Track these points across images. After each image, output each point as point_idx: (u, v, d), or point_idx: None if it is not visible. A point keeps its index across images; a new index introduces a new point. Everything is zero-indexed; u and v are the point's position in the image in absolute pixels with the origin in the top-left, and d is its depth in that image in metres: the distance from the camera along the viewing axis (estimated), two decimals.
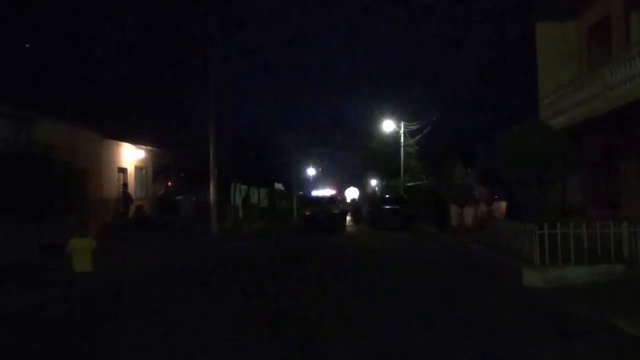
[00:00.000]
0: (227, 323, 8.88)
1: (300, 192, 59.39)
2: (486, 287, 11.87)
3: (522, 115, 19.69)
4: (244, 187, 43.08)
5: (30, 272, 12.46)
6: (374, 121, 48.11)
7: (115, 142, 24.98)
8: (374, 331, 8.26)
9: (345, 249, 21.44)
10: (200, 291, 12.05)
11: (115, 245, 19.43)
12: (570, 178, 16.89)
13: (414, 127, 43.40)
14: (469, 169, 29.70)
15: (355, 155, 62.82)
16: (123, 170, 26.08)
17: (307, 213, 31.65)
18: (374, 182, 68.94)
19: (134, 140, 26.58)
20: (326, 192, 38.76)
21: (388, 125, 46.40)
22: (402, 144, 44.78)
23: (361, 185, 69.96)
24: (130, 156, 26.82)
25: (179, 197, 28.86)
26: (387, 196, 38.90)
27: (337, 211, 32.77)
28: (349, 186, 73.44)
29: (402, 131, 44.81)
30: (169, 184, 28.11)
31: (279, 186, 57.83)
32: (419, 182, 43.04)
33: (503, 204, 23.14)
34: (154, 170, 29.66)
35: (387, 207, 34.29)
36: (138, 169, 27.85)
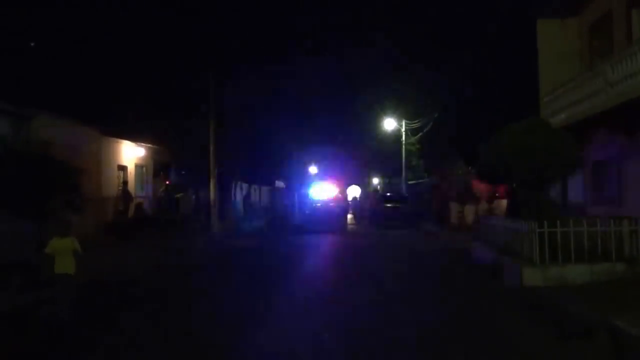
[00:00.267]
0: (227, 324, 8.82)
1: (302, 191, 59.29)
2: (485, 286, 11.80)
3: (523, 113, 19.58)
4: (245, 185, 43.04)
5: (26, 271, 12.37)
6: (376, 119, 47.95)
7: (115, 139, 24.94)
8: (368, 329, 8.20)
9: (344, 248, 21.40)
10: (197, 293, 11.96)
11: (114, 244, 19.44)
12: (571, 176, 16.76)
13: (415, 125, 43.29)
14: (469, 167, 29.59)
15: (357, 153, 62.64)
16: (123, 168, 26.05)
17: (308, 211, 31.59)
18: (376, 181, 68.80)
19: (134, 138, 26.53)
20: (327, 190, 38.55)
21: (389, 124, 46.30)
22: (404, 142, 44.68)
23: (363, 183, 69.83)
24: (131, 154, 26.77)
25: (179, 195, 28.81)
26: (388, 194, 38.89)
27: (337, 209, 32.68)
28: (350, 184, 73.32)
29: (403, 129, 44.71)
30: (168, 182, 28.04)
31: (280, 184, 57.74)
32: (420, 180, 42.97)
33: (504, 202, 23.08)
34: (155, 168, 29.61)
35: (388, 205, 34.27)
36: (138, 166, 27.81)
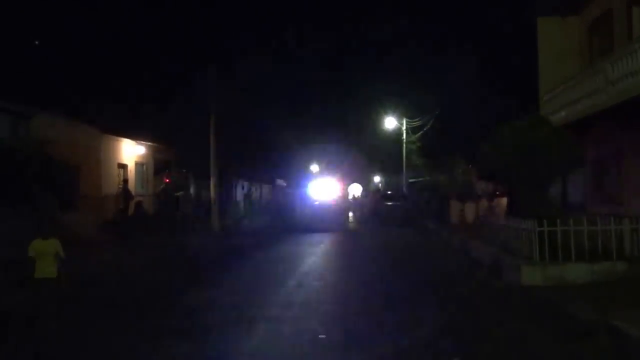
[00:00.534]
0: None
1: (303, 189, 59.20)
2: (484, 284, 11.76)
3: (524, 111, 19.55)
4: (245, 183, 43.03)
5: (21, 269, 12.32)
6: (377, 118, 47.94)
7: (114, 137, 24.89)
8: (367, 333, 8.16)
9: (343, 246, 21.37)
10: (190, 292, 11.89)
11: (112, 242, 19.40)
12: (571, 175, 16.72)
13: (416, 124, 43.26)
14: (470, 165, 29.57)
15: (359, 151, 62.64)
16: (123, 166, 26.00)
17: (308, 210, 31.50)
18: (377, 179, 68.77)
19: (134, 136, 26.48)
20: (327, 188, 38.45)
21: (390, 122, 46.26)
22: (405, 140, 44.64)
23: (365, 181, 69.77)
24: (131, 152, 26.73)
25: (179, 193, 28.77)
26: (389, 192, 38.88)
27: (338, 208, 32.60)
28: (352, 182, 73.26)
29: (404, 128, 44.68)
30: (166, 180, 27.99)
31: (281, 182, 57.71)
32: (420, 179, 42.95)
33: (504, 200, 23.00)
34: (155, 166, 29.57)
35: (389, 203, 34.27)
36: (138, 165, 27.76)
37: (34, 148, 15.87)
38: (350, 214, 39.90)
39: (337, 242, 22.81)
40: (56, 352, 7.24)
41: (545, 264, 11.20)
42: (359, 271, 14.64)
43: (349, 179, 67.51)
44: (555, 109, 18.46)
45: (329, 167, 75.90)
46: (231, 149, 31.85)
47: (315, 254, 18.34)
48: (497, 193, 25.56)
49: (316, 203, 33.05)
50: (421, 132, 42.52)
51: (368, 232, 28.36)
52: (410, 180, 44.70)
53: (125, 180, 25.43)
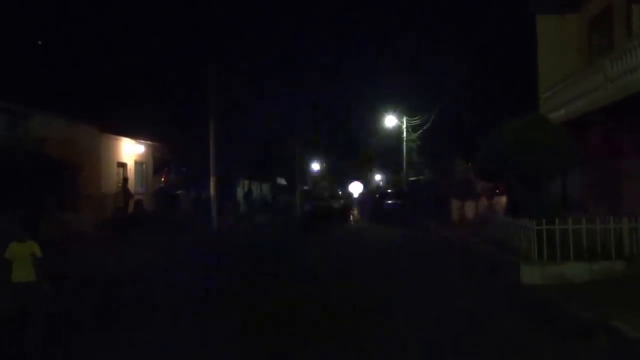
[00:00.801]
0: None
1: (305, 187, 59.35)
2: (482, 283, 11.72)
3: (523, 109, 19.47)
4: (246, 182, 43.00)
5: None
6: (377, 116, 47.91)
7: (114, 136, 24.89)
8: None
9: (342, 245, 21.31)
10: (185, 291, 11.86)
11: (111, 241, 19.36)
12: (571, 173, 16.64)
13: (416, 122, 43.18)
14: (469, 164, 29.50)
15: (360, 150, 62.67)
16: (122, 165, 25.99)
17: (308, 208, 31.50)
18: (378, 177, 68.80)
19: (134, 134, 26.47)
20: (328, 187, 38.56)
21: (390, 121, 46.19)
22: (405, 138, 44.57)
23: (366, 180, 69.80)
24: (130, 151, 26.73)
25: (179, 192, 28.76)
26: (389, 191, 38.85)
27: (338, 206, 32.60)
28: (353, 181, 73.23)
29: (404, 126, 44.61)
30: (163, 179, 27.98)
31: (281, 181, 57.68)
32: (421, 177, 42.90)
33: (504, 199, 22.96)
34: (155, 165, 29.56)
35: (389, 202, 34.25)
36: (138, 163, 27.76)
37: (32, 147, 15.83)
38: (351, 213, 39.90)
39: (336, 240, 22.77)
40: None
41: (544, 263, 11.13)
42: (355, 272, 14.55)
43: (351, 177, 67.50)
44: (555, 106, 18.39)
45: (330, 165, 75.94)
46: (231, 147, 31.82)
47: (313, 254, 18.29)
48: (497, 191, 25.52)
49: (315, 202, 33.06)
50: (421, 130, 42.44)
51: (367, 230, 28.33)
52: (411, 179, 44.66)
53: (125, 179, 25.42)
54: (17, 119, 17.57)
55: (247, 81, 32.92)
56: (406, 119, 44.33)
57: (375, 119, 48.54)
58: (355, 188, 56.14)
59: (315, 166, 75.05)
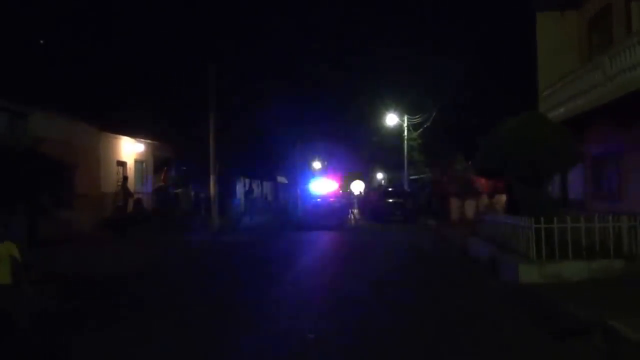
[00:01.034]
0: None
1: (304, 186, 59.27)
2: (480, 283, 11.67)
3: (524, 107, 19.42)
4: (246, 180, 42.94)
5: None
6: (378, 114, 47.83)
7: (113, 135, 24.85)
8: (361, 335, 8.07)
9: (343, 244, 21.28)
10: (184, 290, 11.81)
11: (110, 240, 19.35)
12: (571, 171, 16.61)
13: (417, 120, 43.12)
14: (470, 162, 29.45)
15: (361, 148, 62.60)
16: (122, 164, 25.95)
17: (309, 207, 31.40)
18: (380, 176, 68.65)
19: (134, 133, 26.44)
20: (329, 186, 38.43)
21: (391, 119, 46.13)
22: (405, 137, 44.50)
23: (367, 178, 69.68)
24: (130, 150, 26.70)
25: (178, 191, 28.73)
26: (390, 190, 38.75)
27: (338, 205, 32.48)
28: (354, 180, 73.18)
29: (405, 124, 44.54)
30: (162, 177, 27.94)
31: (282, 180, 57.63)
32: (422, 175, 42.84)
33: (504, 197, 22.92)
34: (155, 164, 29.54)
35: (390, 200, 34.17)
36: (138, 162, 27.74)
37: (30, 146, 15.80)
38: (352, 212, 39.84)
39: (336, 239, 22.72)
40: None
41: (542, 261, 11.07)
42: (354, 269, 14.52)
43: (351, 176, 67.51)
44: (554, 104, 18.36)
45: (331, 164, 75.90)
46: (231, 146, 31.76)
47: (313, 253, 18.27)
48: (497, 190, 25.49)
49: (317, 201, 32.97)
50: (421, 128, 42.40)
51: (367, 229, 28.28)
52: (412, 177, 44.61)
53: (125, 178, 25.39)
54: (15, 117, 17.54)
55: (247, 80, 32.91)
56: (407, 118, 44.28)
57: (377, 117, 48.47)
58: (357, 187, 56.20)
59: (315, 164, 74.97)
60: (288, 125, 46.43)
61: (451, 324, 8.34)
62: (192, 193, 30.36)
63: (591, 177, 18.39)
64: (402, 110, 44.85)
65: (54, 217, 16.49)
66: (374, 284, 11.93)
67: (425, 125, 41.26)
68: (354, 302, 10.02)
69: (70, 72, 24.80)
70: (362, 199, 48.52)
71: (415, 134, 44.36)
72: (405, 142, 44.44)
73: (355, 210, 41.20)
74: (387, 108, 45.93)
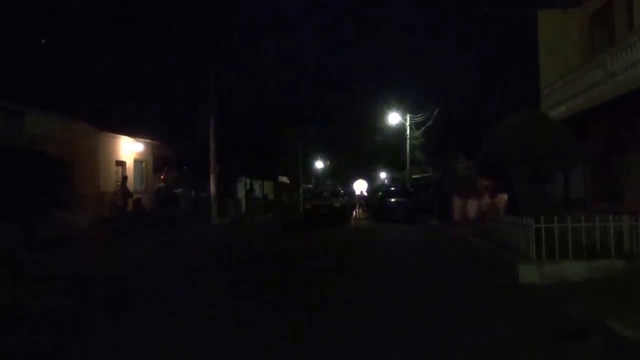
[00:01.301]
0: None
1: (309, 185, 59.34)
2: (480, 282, 11.52)
3: (526, 106, 19.31)
4: (248, 180, 42.88)
5: (11, 267, 12.19)
6: (381, 113, 47.82)
7: (112, 135, 24.77)
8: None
9: (343, 244, 21.17)
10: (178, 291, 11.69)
11: (109, 240, 19.25)
12: (572, 170, 16.48)
13: (419, 119, 43.04)
14: (471, 161, 29.33)
15: (363, 148, 62.64)
16: (121, 164, 25.87)
17: (309, 207, 31.29)
18: (383, 175, 68.66)
19: (133, 133, 26.35)
20: (331, 185, 38.44)
21: (394, 118, 46.06)
22: (408, 136, 44.41)
23: (370, 177, 69.68)
24: (129, 149, 26.62)
25: (178, 190, 28.64)
26: (392, 189, 38.66)
27: (339, 205, 32.37)
28: (357, 179, 73.17)
29: (407, 123, 44.45)
30: (162, 177, 27.88)
31: (283, 179, 57.59)
32: (424, 175, 42.74)
33: (506, 197, 22.77)
34: (154, 164, 29.46)
35: (392, 200, 34.07)
36: (137, 162, 27.66)
37: (27, 146, 15.71)
38: (355, 211, 39.76)
39: (336, 241, 22.60)
40: None
41: (542, 261, 10.94)
42: (351, 273, 14.33)
43: (355, 175, 67.52)
44: (556, 103, 18.24)
45: (333, 163, 75.84)
46: (232, 145, 31.70)
47: (314, 254, 18.15)
48: (499, 189, 25.31)
49: (316, 200, 32.87)
50: (424, 127, 42.31)
51: (368, 229, 28.20)
52: (414, 177, 44.51)
53: (125, 177, 25.31)
54: (11, 116, 17.45)
55: (248, 76, 32.86)
56: (409, 116, 44.21)
57: (379, 116, 48.45)
58: (360, 186, 56.07)
59: (319, 164, 74.97)
60: (290, 124, 46.42)
61: (449, 323, 8.23)
62: (192, 193, 30.25)
63: (592, 175, 18.25)
64: (405, 109, 44.81)
65: (52, 217, 16.38)
66: (374, 283, 11.82)
67: (427, 124, 41.16)
68: (349, 303, 9.90)
69: (70, 70, 24.75)
70: (365, 199, 48.44)
71: (417, 133, 44.26)
72: (408, 140, 44.35)
73: (360, 210, 41.13)
74: (390, 107, 45.90)
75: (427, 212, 31.69)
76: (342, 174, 74.18)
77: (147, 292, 11.14)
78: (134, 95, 27.11)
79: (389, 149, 51.30)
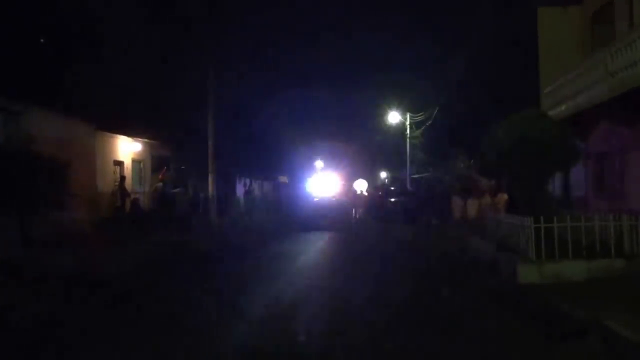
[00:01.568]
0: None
1: (305, 186, 59.23)
2: (479, 282, 11.46)
3: (528, 105, 19.22)
4: (247, 180, 42.79)
5: (9, 268, 12.15)
6: (381, 112, 47.76)
7: (110, 134, 24.68)
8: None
9: (343, 243, 21.15)
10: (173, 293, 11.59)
11: (106, 240, 19.17)
12: (573, 169, 16.39)
13: (419, 118, 42.96)
14: (471, 161, 29.28)
15: (363, 147, 62.59)
16: (119, 164, 25.78)
17: (310, 207, 31.23)
18: (383, 174, 68.56)
19: (131, 132, 26.26)
20: (330, 185, 38.39)
21: (394, 117, 46.00)
22: (408, 135, 44.34)
23: (370, 177, 69.59)
24: (127, 149, 26.52)
25: (176, 190, 28.54)
26: (391, 188, 38.63)
27: (339, 204, 32.27)
28: (357, 179, 73.03)
29: (407, 122, 44.39)
30: (160, 177, 27.80)
31: (283, 179, 57.49)
32: (424, 174, 42.70)
33: (506, 196, 22.71)
34: (153, 163, 29.37)
35: (392, 199, 34.02)
36: (135, 162, 27.56)
37: (23, 145, 15.62)
38: (354, 211, 39.72)
39: (337, 241, 22.55)
40: None
41: (542, 261, 10.87)
42: (351, 274, 14.27)
43: (354, 175, 67.46)
44: (556, 102, 18.13)
45: (333, 163, 75.78)
46: (231, 145, 31.62)
47: (313, 254, 18.07)
48: (500, 189, 25.26)
49: (318, 200, 32.82)
50: (423, 127, 42.22)
51: (367, 229, 28.17)
52: (414, 176, 44.44)
53: (123, 177, 25.23)
54: (9, 116, 17.38)
55: (248, 76, 32.79)
56: (409, 116, 44.14)
57: (379, 115, 48.39)
58: (360, 185, 55.96)
59: (319, 164, 74.85)
60: (290, 124, 46.35)
61: (448, 323, 8.21)
62: (191, 193, 30.16)
63: (593, 175, 18.17)
64: (405, 108, 44.73)
65: (48, 217, 16.30)
66: (373, 283, 11.77)
67: (427, 124, 41.07)
68: (347, 301, 9.85)
69: (67, 70, 24.64)
70: (365, 198, 48.38)
71: (417, 132, 44.18)
72: (408, 140, 44.28)
73: (360, 209, 41.06)
74: (390, 106, 45.83)
75: (426, 212, 31.61)
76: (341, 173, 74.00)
77: (145, 292, 11.08)
78: (132, 94, 26.98)
79: (389, 149, 51.20)
